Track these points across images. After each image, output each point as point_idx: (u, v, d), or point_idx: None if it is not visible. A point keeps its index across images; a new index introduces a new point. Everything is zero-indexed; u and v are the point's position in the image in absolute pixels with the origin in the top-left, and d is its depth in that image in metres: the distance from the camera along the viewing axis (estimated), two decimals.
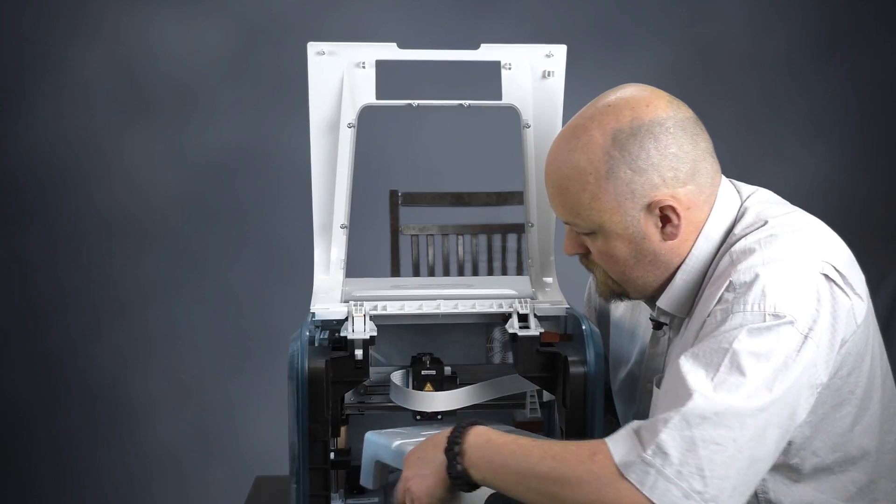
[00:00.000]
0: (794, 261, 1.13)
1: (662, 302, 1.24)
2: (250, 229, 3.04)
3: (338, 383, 1.25)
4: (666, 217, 1.18)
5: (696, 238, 1.21)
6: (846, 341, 1.15)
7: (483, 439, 1.14)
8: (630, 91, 1.22)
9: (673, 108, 1.20)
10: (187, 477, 3.07)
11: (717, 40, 3.10)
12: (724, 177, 1.25)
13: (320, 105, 1.36)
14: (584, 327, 1.26)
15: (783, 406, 1.07)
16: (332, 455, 1.27)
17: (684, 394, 1.05)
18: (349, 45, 1.35)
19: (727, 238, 1.21)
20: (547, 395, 1.42)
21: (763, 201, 1.25)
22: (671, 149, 1.17)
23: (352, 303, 1.32)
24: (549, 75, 1.38)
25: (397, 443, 1.26)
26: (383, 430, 1.32)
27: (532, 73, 1.37)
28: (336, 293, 1.37)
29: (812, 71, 3.14)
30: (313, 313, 1.31)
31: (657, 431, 1.04)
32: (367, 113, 1.35)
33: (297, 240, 2.62)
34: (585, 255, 1.27)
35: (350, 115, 1.35)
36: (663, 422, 1.04)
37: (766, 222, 1.19)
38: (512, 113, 1.38)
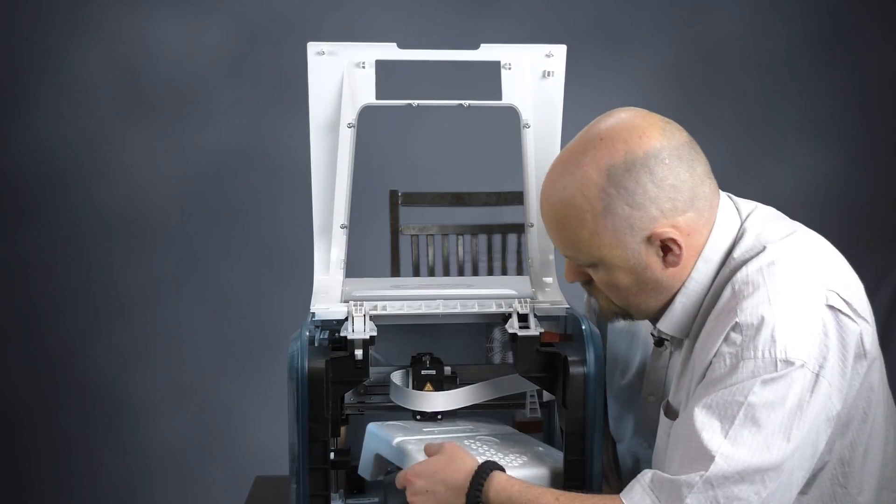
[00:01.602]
0: (798, 295, 1.13)
1: (663, 325, 1.24)
2: (250, 229, 3.04)
3: (338, 383, 1.25)
4: (667, 247, 1.17)
5: (696, 261, 1.20)
6: (855, 365, 1.15)
7: (504, 497, 1.16)
8: (621, 120, 1.20)
9: (667, 136, 1.18)
10: (187, 477, 3.07)
11: (717, 40, 3.10)
12: (722, 193, 1.25)
13: (320, 105, 1.36)
14: (584, 327, 1.26)
15: (804, 449, 1.10)
16: (332, 455, 1.27)
17: (704, 455, 1.07)
18: (349, 45, 1.35)
19: (726, 260, 1.20)
20: (547, 395, 1.42)
21: (762, 220, 1.23)
22: (668, 180, 1.16)
23: (352, 303, 1.32)
24: (549, 75, 1.38)
25: (398, 440, 1.27)
26: (386, 423, 1.34)
27: (532, 73, 1.37)
28: (336, 293, 1.36)
29: (812, 71, 3.14)
30: (313, 313, 1.31)
31: (682, 497, 1.07)
32: (367, 113, 1.35)
33: (297, 240, 2.62)
34: (588, 282, 1.26)
35: (350, 115, 1.35)
36: (687, 486, 1.07)
37: (764, 248, 1.17)
38: (512, 113, 1.38)
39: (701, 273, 1.20)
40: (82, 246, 3.01)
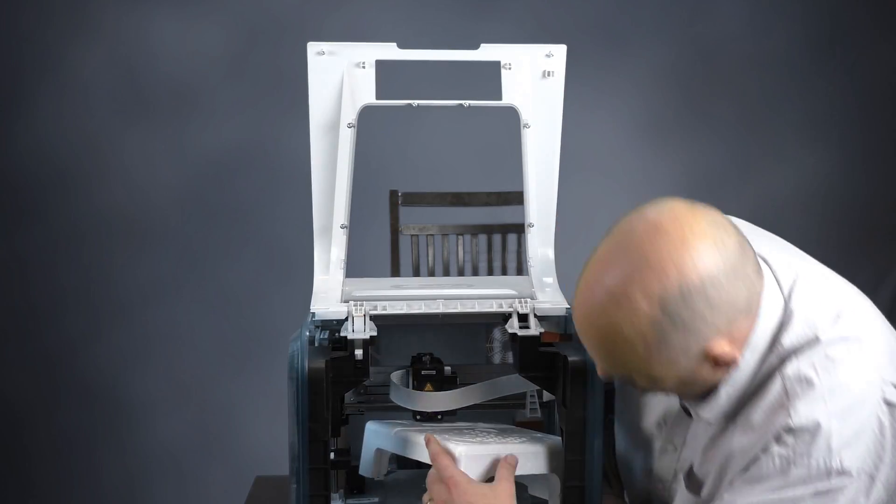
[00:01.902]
0: (855, 395, 1.07)
1: (706, 413, 1.16)
2: (250, 229, 3.04)
3: (338, 383, 1.25)
4: (721, 359, 1.09)
5: (743, 351, 1.11)
6: None
7: None
8: (667, 232, 1.06)
9: (719, 247, 1.06)
10: (187, 477, 3.07)
11: (717, 40, 3.11)
12: (763, 263, 1.14)
13: (320, 105, 1.36)
14: None
15: None
16: (332, 455, 1.27)
17: None
18: (349, 45, 1.35)
19: (774, 347, 1.11)
20: (547, 395, 1.42)
21: (807, 295, 1.14)
22: (724, 299, 1.06)
23: (352, 303, 1.32)
24: (549, 75, 1.38)
25: (397, 429, 1.29)
26: (384, 420, 1.35)
27: (532, 73, 1.37)
28: (336, 293, 1.36)
29: (812, 71, 3.14)
30: (313, 313, 1.31)
31: None
32: (367, 113, 1.35)
33: (297, 240, 2.62)
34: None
35: (350, 115, 1.35)
36: None
37: (817, 338, 1.10)
38: (512, 113, 1.38)
39: (748, 362, 1.11)
40: (82, 246, 3.01)
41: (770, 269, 1.14)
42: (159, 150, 3.00)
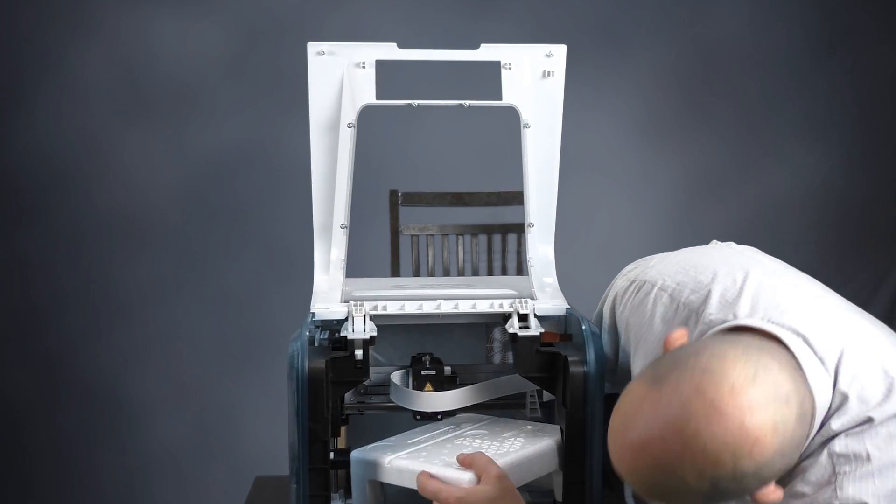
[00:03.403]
0: None
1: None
2: (250, 229, 3.05)
3: (338, 383, 1.24)
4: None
5: None
6: None
7: None
8: (724, 414, 0.94)
9: (779, 429, 0.96)
10: (187, 477, 3.07)
11: (717, 40, 3.11)
12: (806, 351, 1.05)
13: (320, 105, 1.35)
14: (584, 327, 1.26)
15: None
16: (332, 455, 1.27)
17: None
18: (349, 45, 1.34)
19: (821, 429, 1.06)
20: (547, 395, 1.42)
21: (857, 375, 1.06)
22: (776, 470, 0.98)
23: (352, 303, 1.31)
24: (549, 75, 1.37)
25: (390, 457, 1.23)
26: (367, 448, 1.28)
27: (532, 73, 1.37)
28: (336, 293, 1.36)
29: (812, 71, 3.14)
30: (313, 313, 1.31)
31: None
32: (367, 113, 1.35)
33: (297, 240, 2.62)
34: None
35: (350, 115, 1.35)
36: None
37: (870, 419, 1.05)
38: (512, 113, 1.38)
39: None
40: (82, 246, 3.01)
41: (811, 348, 1.06)
42: (159, 150, 3.00)
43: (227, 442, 3.07)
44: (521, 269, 2.46)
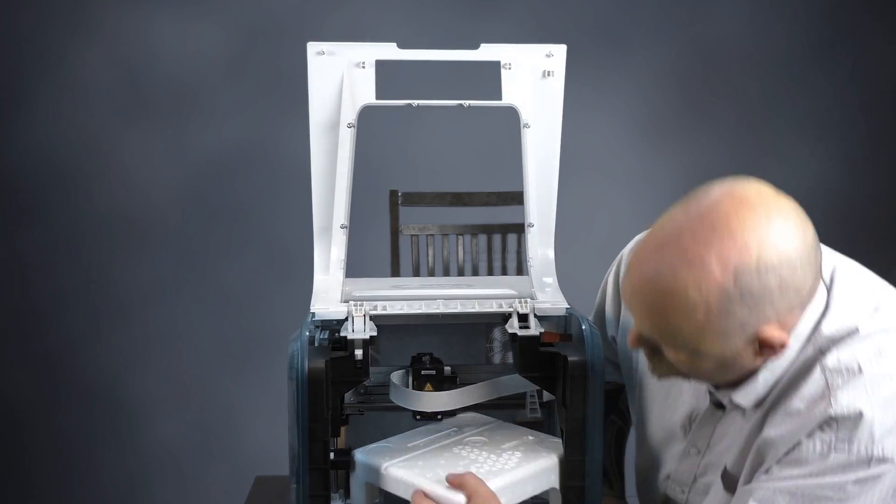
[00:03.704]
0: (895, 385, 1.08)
1: (739, 398, 1.17)
2: (250, 229, 3.05)
3: (338, 383, 1.24)
4: (768, 346, 1.09)
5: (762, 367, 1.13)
6: None
7: None
8: (749, 209, 1.04)
9: (800, 234, 1.05)
10: (187, 477, 3.07)
11: (717, 40, 3.11)
12: None
13: (320, 105, 1.35)
14: (583, 327, 1.26)
15: None
16: (332, 455, 1.27)
17: None
18: (349, 45, 1.34)
19: (813, 335, 1.12)
20: (547, 395, 1.42)
21: (847, 286, 1.15)
22: (794, 285, 1.05)
23: (352, 303, 1.31)
24: (549, 75, 1.37)
25: (387, 464, 1.25)
26: (370, 447, 1.29)
27: (532, 73, 1.37)
28: (336, 293, 1.36)
29: (812, 71, 3.14)
30: (313, 313, 1.31)
31: None
32: (367, 113, 1.35)
33: (297, 240, 2.62)
34: (653, 350, 1.16)
35: (350, 115, 1.35)
36: None
37: (857, 329, 1.11)
38: (512, 113, 1.38)
39: (790, 349, 1.12)
40: (82, 246, 3.01)
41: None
42: (159, 150, 3.00)
43: (227, 442, 3.07)
44: (521, 269, 2.46)
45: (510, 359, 1.43)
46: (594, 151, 3.03)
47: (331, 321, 1.31)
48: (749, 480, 1.15)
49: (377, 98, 1.35)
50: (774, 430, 1.12)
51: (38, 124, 2.97)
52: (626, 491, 1.50)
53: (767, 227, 1.03)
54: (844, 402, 1.07)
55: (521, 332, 1.28)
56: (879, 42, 3.15)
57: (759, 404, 1.16)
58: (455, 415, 1.37)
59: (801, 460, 1.08)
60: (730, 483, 1.20)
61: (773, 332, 1.06)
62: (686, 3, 3.09)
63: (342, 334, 1.26)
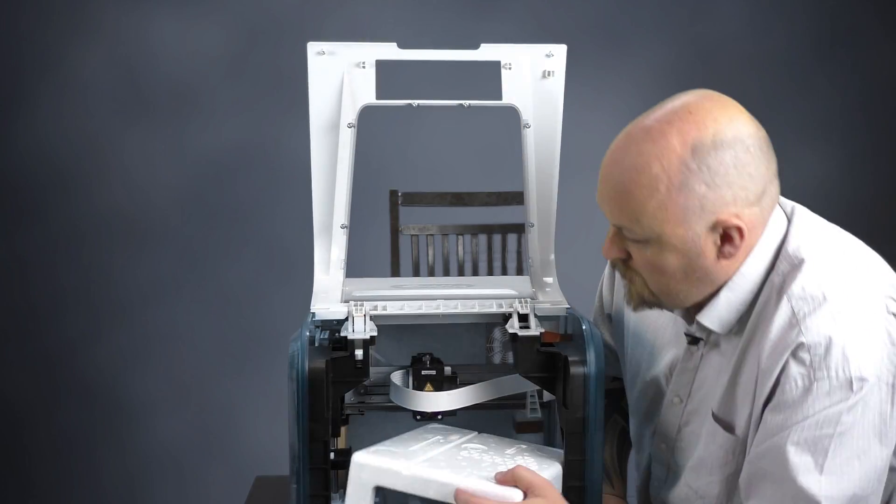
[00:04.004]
0: (861, 309, 1.13)
1: (704, 318, 1.21)
2: (250, 229, 3.05)
3: (338, 383, 1.24)
4: (728, 237, 1.15)
5: (746, 258, 1.18)
6: None
7: None
8: (710, 99, 1.16)
9: (754, 125, 1.16)
10: (187, 477, 3.07)
11: (717, 40, 3.11)
12: None
13: (320, 105, 1.35)
14: (584, 327, 1.26)
15: (890, 452, 1.13)
16: (332, 455, 1.27)
17: (807, 501, 1.09)
18: (349, 45, 1.34)
19: (775, 262, 1.18)
20: (547, 395, 1.42)
21: (806, 223, 1.23)
22: (748, 168, 1.13)
23: (352, 303, 1.31)
24: (549, 75, 1.37)
25: (406, 466, 1.19)
26: (369, 450, 1.25)
27: (532, 73, 1.37)
28: (336, 293, 1.36)
29: (812, 71, 3.14)
30: (313, 313, 1.31)
31: None
32: (367, 113, 1.35)
33: (297, 240, 2.62)
34: (624, 262, 1.22)
35: (350, 115, 1.35)
36: None
37: (819, 256, 1.17)
38: (512, 113, 1.38)
39: (750, 269, 1.18)
40: (82, 246, 3.01)
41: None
42: (159, 150, 3.00)
43: (227, 442, 3.07)
44: (521, 269, 2.47)
45: (510, 359, 1.43)
46: (594, 151, 3.02)
47: (331, 321, 1.31)
48: (748, 422, 1.18)
49: (377, 98, 1.35)
50: (753, 362, 1.16)
51: (38, 124, 2.97)
52: (626, 491, 1.50)
53: (723, 112, 1.14)
54: (813, 328, 1.11)
55: (521, 333, 1.28)
56: (879, 42, 3.15)
57: (726, 331, 1.21)
58: (455, 414, 1.37)
59: (788, 402, 1.11)
60: (726, 425, 1.22)
61: (731, 218, 1.13)
62: (686, 3, 3.09)
63: (342, 334, 1.26)
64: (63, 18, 2.95)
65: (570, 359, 1.23)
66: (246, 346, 3.06)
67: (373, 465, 1.21)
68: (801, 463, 1.10)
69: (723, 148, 1.12)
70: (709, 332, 1.24)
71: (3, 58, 2.95)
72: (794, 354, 1.11)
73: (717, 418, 1.23)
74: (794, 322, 1.13)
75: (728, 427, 1.21)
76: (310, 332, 1.26)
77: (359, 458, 1.22)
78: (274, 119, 2.99)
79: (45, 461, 3.05)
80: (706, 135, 1.12)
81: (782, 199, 1.24)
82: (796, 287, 1.14)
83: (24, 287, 3.02)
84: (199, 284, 3.04)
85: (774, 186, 1.19)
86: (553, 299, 1.37)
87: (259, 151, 3.02)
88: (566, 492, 1.25)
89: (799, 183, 3.26)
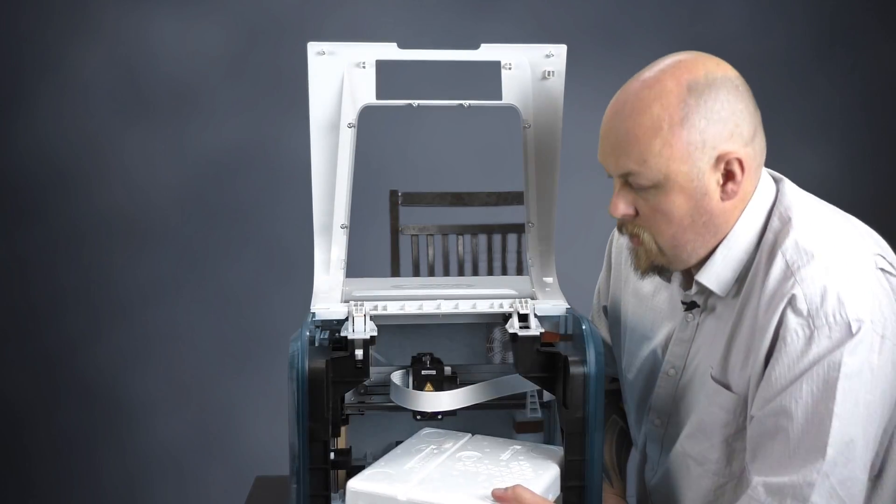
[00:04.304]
0: (852, 262, 1.17)
1: (702, 277, 1.26)
2: (250, 229, 3.05)
3: (338, 383, 1.24)
4: (730, 173, 1.20)
5: (741, 212, 1.23)
6: None
7: None
8: (693, 53, 1.24)
9: (743, 84, 1.24)
10: (187, 477, 3.07)
11: (717, 40, 3.10)
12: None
13: (320, 105, 1.35)
14: (584, 327, 1.26)
15: (884, 404, 1.16)
16: (332, 455, 1.27)
17: (814, 446, 1.12)
18: (349, 45, 1.34)
19: (767, 223, 1.24)
20: (547, 395, 1.42)
21: (794, 188, 1.28)
22: (740, 105, 1.20)
23: (352, 303, 1.31)
24: (549, 75, 1.37)
25: (403, 491, 1.18)
26: (364, 474, 1.23)
27: (532, 73, 1.37)
28: (336, 293, 1.36)
29: (812, 70, 3.14)
30: (313, 313, 1.31)
31: (806, 499, 1.11)
32: (367, 113, 1.35)
33: (297, 240, 2.62)
34: (632, 220, 1.26)
35: (350, 115, 1.35)
36: (808, 485, 1.11)
37: (810, 214, 1.23)
38: (512, 113, 1.38)
39: (744, 227, 1.23)
40: (82, 246, 3.01)
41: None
42: (159, 150, 3.00)
43: (227, 442, 3.07)
44: (521, 269, 2.47)
45: (510, 359, 1.43)
46: (594, 151, 3.03)
47: (331, 321, 1.31)
48: (749, 374, 1.20)
49: (377, 98, 1.35)
50: (750, 318, 1.20)
51: (38, 124, 2.97)
52: (626, 490, 1.50)
53: (709, 59, 1.23)
54: (808, 278, 1.15)
55: (521, 332, 1.28)
56: (879, 42, 3.15)
57: (725, 292, 1.25)
58: (455, 414, 1.37)
59: (792, 354, 1.14)
60: (726, 385, 1.25)
61: (732, 153, 1.19)
62: (686, 3, 3.09)
63: (342, 334, 1.26)
64: (63, 18, 2.95)
65: (570, 359, 1.23)
66: (246, 346, 3.06)
67: (368, 492, 1.20)
68: (812, 410, 1.12)
69: (715, 86, 1.19)
70: (707, 294, 1.29)
71: (3, 58, 2.95)
72: (790, 305, 1.15)
73: (716, 380, 1.26)
74: (788, 274, 1.17)
75: (728, 387, 1.25)
76: (310, 332, 1.26)
77: (354, 485, 1.21)
78: (274, 119, 2.99)
79: (45, 461, 3.05)
80: (699, 76, 1.19)
81: (769, 170, 1.30)
82: (789, 242, 1.19)
83: (24, 287, 3.02)
84: (199, 284, 3.04)
85: (762, 134, 1.24)
86: (553, 299, 1.37)
87: (259, 151, 3.02)
88: (566, 492, 1.25)
89: (799, 183, 3.27)
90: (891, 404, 1.18)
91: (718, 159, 1.19)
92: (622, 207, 1.25)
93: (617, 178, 1.25)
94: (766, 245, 1.22)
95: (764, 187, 1.25)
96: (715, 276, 1.25)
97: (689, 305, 1.32)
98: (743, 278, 1.25)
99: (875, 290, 1.16)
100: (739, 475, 1.24)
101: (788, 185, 1.28)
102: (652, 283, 1.41)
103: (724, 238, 1.24)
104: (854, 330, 1.12)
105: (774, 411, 1.15)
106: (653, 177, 1.20)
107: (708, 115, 1.18)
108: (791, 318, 1.14)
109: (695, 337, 1.32)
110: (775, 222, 1.23)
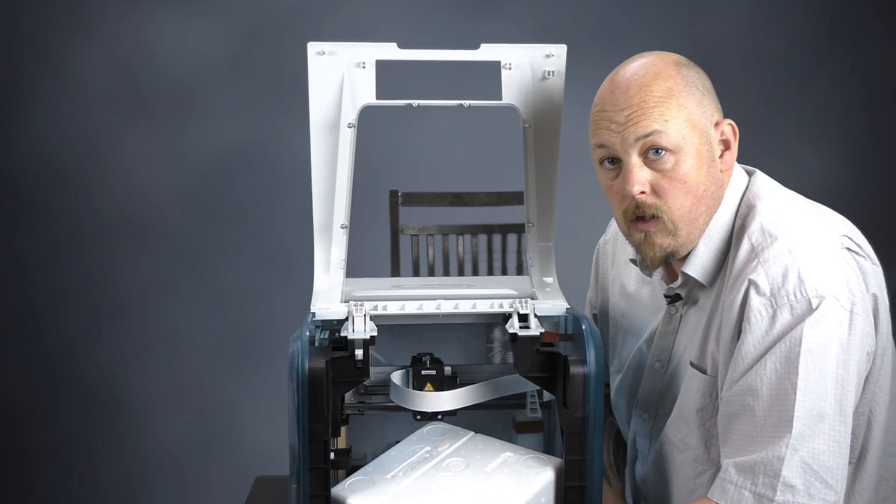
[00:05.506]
0: (816, 242, 1.20)
1: (688, 268, 1.29)
2: (250, 229, 3.05)
3: (338, 383, 1.24)
4: (726, 142, 1.29)
5: (722, 198, 1.29)
6: (877, 306, 1.23)
7: None
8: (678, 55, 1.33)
9: (703, 84, 1.31)
10: (187, 477, 3.07)
11: (717, 40, 3.11)
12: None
13: (320, 105, 1.35)
14: (584, 327, 1.26)
15: (858, 379, 1.17)
16: (332, 455, 1.27)
17: (781, 421, 1.12)
18: (349, 45, 1.34)
19: (739, 209, 1.29)
20: (547, 395, 1.42)
21: (765, 178, 1.34)
22: (710, 84, 1.30)
23: (352, 303, 1.31)
24: (549, 75, 1.38)
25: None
26: (349, 483, 1.24)
27: (532, 73, 1.37)
28: (336, 293, 1.36)
29: (812, 70, 3.14)
30: (313, 313, 1.31)
31: (777, 473, 1.11)
32: (367, 113, 1.35)
33: (297, 240, 2.62)
34: (646, 200, 1.27)
35: (350, 115, 1.35)
36: (777, 460, 1.11)
37: (777, 200, 1.27)
38: (512, 113, 1.38)
39: (720, 218, 1.28)
40: (82, 246, 3.01)
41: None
42: (159, 150, 3.00)
43: (227, 442, 3.07)
44: (521, 269, 2.47)
45: (510, 359, 1.44)
46: None
47: (331, 321, 1.31)
48: (721, 354, 1.23)
49: (377, 98, 1.35)
50: (722, 306, 1.24)
51: (38, 124, 2.97)
52: (625, 490, 1.50)
53: (688, 62, 1.31)
54: (770, 259, 1.19)
55: (521, 332, 1.28)
56: (879, 42, 3.15)
57: (710, 282, 1.28)
58: (455, 414, 1.37)
59: (756, 334, 1.16)
60: (701, 369, 1.28)
61: (723, 120, 1.28)
62: (686, 3, 3.09)
63: (342, 334, 1.26)
64: (63, 18, 2.95)
65: (569, 358, 1.23)
66: (246, 346, 3.06)
67: (349, 501, 1.22)
68: (777, 387, 1.13)
69: (692, 66, 1.30)
70: (690, 286, 1.31)
71: (3, 58, 2.95)
72: (754, 285, 1.17)
73: (693, 365, 1.29)
74: (752, 256, 1.21)
75: (703, 370, 1.27)
76: (310, 332, 1.26)
77: (336, 492, 1.23)
78: (274, 119, 2.99)
79: (45, 461, 3.05)
80: (676, 58, 1.29)
81: (742, 165, 1.36)
82: (755, 226, 1.24)
83: (24, 287, 3.02)
84: (199, 284, 3.04)
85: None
86: (553, 299, 1.37)
87: (259, 151, 3.02)
88: (566, 491, 1.25)
89: (799, 183, 3.27)
90: (864, 378, 1.21)
91: (717, 126, 1.27)
92: (640, 182, 1.25)
93: (630, 155, 1.25)
94: (735, 231, 1.27)
95: (737, 178, 1.31)
96: (700, 265, 1.29)
97: (673, 298, 1.34)
98: (721, 266, 1.28)
99: (843, 268, 1.18)
100: (717, 463, 1.24)
101: (759, 176, 1.33)
102: (636, 281, 1.44)
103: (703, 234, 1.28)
104: (814, 305, 1.14)
105: (741, 391, 1.17)
106: (674, 137, 1.23)
107: (700, 86, 1.27)
108: (755, 299, 1.17)
109: (679, 329, 1.35)
110: (743, 209, 1.28)
